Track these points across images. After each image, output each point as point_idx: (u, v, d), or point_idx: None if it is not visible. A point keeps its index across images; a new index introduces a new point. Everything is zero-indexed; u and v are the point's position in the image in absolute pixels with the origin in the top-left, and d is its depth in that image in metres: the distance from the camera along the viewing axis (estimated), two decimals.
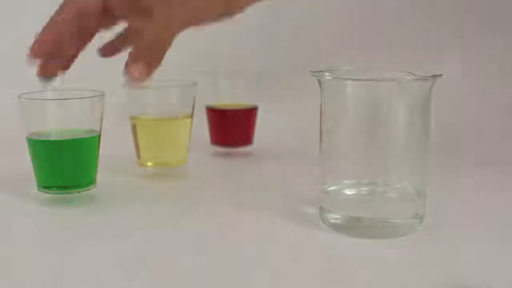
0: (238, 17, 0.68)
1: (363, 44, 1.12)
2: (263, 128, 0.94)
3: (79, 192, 0.69)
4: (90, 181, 0.70)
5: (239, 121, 0.92)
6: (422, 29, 1.07)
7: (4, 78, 0.99)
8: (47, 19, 0.69)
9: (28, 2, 1.11)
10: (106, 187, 0.77)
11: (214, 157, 0.92)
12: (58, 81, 0.73)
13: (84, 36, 0.70)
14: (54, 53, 0.69)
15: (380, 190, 0.62)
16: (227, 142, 0.92)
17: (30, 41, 0.68)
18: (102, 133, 0.71)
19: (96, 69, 1.15)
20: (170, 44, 0.66)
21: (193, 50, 1.17)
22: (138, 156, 0.82)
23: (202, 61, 1.08)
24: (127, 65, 0.66)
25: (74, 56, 0.72)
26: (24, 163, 0.71)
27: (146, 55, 0.66)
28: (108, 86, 0.86)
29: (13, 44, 1.05)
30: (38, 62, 0.69)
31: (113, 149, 0.91)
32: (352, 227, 0.60)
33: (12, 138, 0.76)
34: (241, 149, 0.93)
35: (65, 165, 0.68)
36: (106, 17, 0.69)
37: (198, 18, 0.68)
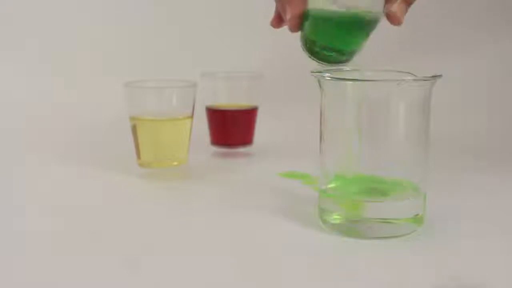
0: None
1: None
2: (263, 129, 0.94)
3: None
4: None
5: (239, 121, 0.92)
6: (422, 29, 1.07)
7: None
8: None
9: None
10: (106, 186, 0.77)
11: (214, 157, 0.92)
12: None
13: None
14: None
15: (380, 190, 0.62)
16: (227, 142, 0.92)
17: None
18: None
19: (96, 70, 1.16)
20: None
21: (193, 50, 1.18)
22: (138, 156, 0.82)
23: (202, 61, 1.08)
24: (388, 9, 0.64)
25: None
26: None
27: None
28: (109, 86, 0.86)
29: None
30: None
31: (113, 149, 0.92)
32: (352, 227, 0.60)
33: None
34: (241, 149, 0.93)
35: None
36: None
37: None
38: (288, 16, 0.66)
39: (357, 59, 0.67)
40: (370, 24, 0.64)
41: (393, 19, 0.64)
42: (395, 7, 0.64)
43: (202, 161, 0.89)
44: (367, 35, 0.65)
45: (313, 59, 0.67)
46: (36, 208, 0.70)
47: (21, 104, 1.09)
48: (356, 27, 0.64)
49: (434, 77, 0.58)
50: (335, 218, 0.61)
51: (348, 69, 0.65)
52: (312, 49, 0.66)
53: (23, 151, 0.94)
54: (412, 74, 0.59)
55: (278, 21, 0.71)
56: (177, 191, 0.76)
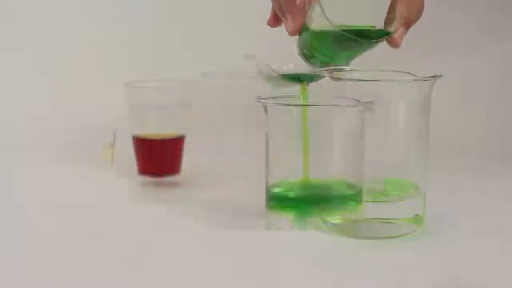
0: None
1: None
2: None
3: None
4: None
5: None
6: (422, 29, 1.07)
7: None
8: None
9: None
10: (106, 187, 0.77)
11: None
12: None
13: None
14: None
15: (380, 190, 0.62)
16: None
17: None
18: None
19: (96, 70, 1.16)
20: None
21: (193, 50, 1.18)
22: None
23: (202, 61, 1.08)
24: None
25: None
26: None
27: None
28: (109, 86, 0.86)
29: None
30: None
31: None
32: (352, 227, 0.60)
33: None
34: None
35: None
36: None
37: None
38: (289, 28, 0.67)
39: (357, 59, 0.67)
40: (368, 45, 0.64)
41: (393, 42, 0.65)
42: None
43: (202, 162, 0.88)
44: (364, 51, 0.65)
45: (309, 65, 0.67)
46: (36, 208, 0.70)
47: (21, 104, 1.09)
48: (353, 45, 0.64)
49: (434, 77, 0.58)
50: (335, 218, 0.61)
51: (348, 69, 0.65)
52: (308, 57, 0.67)
53: (23, 151, 0.94)
54: (412, 74, 0.59)
55: (274, 20, 0.71)
56: (177, 191, 0.76)
